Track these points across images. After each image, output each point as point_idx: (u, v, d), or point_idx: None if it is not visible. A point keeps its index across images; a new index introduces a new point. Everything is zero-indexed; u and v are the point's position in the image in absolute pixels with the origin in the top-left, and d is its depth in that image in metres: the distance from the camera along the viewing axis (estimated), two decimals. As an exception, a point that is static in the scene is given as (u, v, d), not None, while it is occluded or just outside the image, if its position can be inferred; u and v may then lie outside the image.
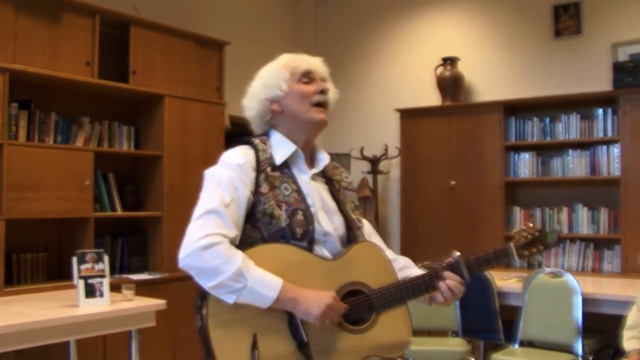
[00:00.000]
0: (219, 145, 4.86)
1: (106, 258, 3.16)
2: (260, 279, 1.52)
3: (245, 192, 1.62)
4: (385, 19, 6.16)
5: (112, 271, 3.65)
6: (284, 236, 1.61)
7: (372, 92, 6.18)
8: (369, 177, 5.91)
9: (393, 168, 5.99)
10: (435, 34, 5.86)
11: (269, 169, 1.67)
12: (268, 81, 1.75)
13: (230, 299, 1.52)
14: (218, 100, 4.90)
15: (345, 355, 1.61)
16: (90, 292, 3.07)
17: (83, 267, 3.08)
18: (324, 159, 1.80)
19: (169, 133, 4.47)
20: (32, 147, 3.73)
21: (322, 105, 1.76)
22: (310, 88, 1.75)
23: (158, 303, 3.31)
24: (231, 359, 1.51)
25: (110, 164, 4.34)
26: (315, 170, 1.77)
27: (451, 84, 5.48)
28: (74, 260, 3.08)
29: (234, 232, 1.58)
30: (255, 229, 1.62)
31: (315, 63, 1.80)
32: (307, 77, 1.76)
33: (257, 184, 1.64)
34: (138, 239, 4.48)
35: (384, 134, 5.98)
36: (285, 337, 1.57)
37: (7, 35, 3.65)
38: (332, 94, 1.81)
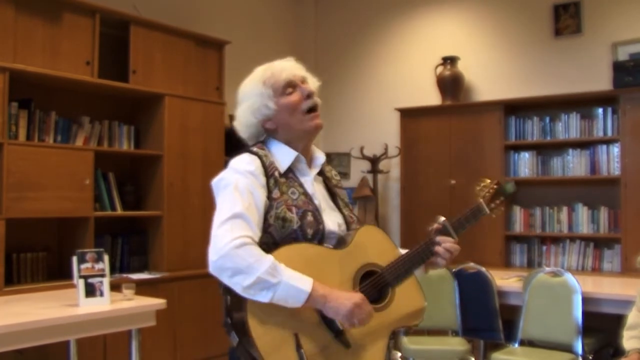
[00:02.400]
0: (219, 145, 4.87)
1: (106, 257, 3.16)
2: (292, 274, 1.56)
3: (262, 197, 1.65)
4: (385, 19, 6.16)
5: (112, 271, 3.65)
6: (296, 238, 1.66)
7: (372, 91, 6.18)
8: (369, 177, 5.91)
9: (393, 167, 5.99)
10: (435, 34, 5.85)
11: (276, 174, 1.71)
12: (254, 104, 1.75)
13: (266, 297, 1.53)
14: (218, 100, 4.90)
15: (376, 333, 1.69)
16: (90, 291, 3.07)
17: (83, 266, 3.08)
18: (320, 158, 1.85)
19: (169, 133, 4.47)
20: (32, 146, 3.73)
21: (313, 109, 1.77)
22: (296, 97, 1.75)
23: (158, 302, 3.31)
24: None
25: (110, 164, 4.34)
26: (315, 171, 1.83)
27: (451, 83, 5.47)
28: (74, 259, 3.08)
29: (258, 235, 1.62)
30: (267, 235, 1.65)
31: (291, 67, 1.79)
32: (290, 86, 1.76)
33: (269, 189, 1.68)
34: (138, 238, 4.48)
35: (384, 134, 5.98)
36: (322, 330, 1.63)
37: (7, 35, 3.65)
38: (315, 87, 1.81)
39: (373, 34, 6.24)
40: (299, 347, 1.56)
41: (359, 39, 6.31)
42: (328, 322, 1.63)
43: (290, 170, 1.76)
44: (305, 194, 1.74)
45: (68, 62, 3.94)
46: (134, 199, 4.49)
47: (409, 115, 5.64)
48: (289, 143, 1.77)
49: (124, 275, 4.16)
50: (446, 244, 1.78)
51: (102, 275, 3.12)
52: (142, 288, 3.70)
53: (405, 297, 1.76)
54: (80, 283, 3.06)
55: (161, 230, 4.40)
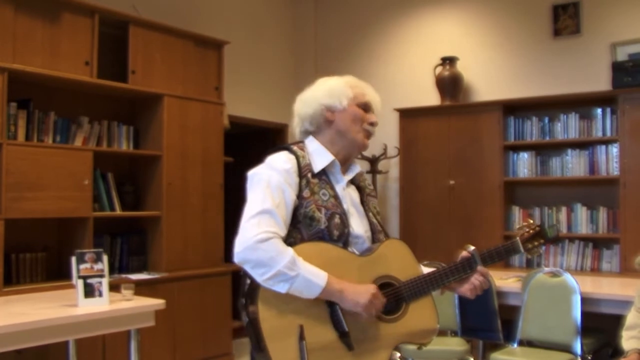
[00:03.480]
0: (218, 145, 4.87)
1: (105, 258, 3.16)
2: (310, 269, 1.67)
3: (292, 196, 1.76)
4: (384, 19, 6.16)
5: (111, 271, 3.65)
6: (322, 237, 1.76)
7: (372, 91, 6.18)
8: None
9: (392, 168, 5.99)
10: (435, 34, 5.86)
11: (309, 175, 1.81)
12: (334, 90, 1.90)
13: (283, 288, 1.64)
14: (217, 100, 4.90)
15: (380, 343, 1.76)
16: (90, 291, 3.07)
17: (82, 266, 3.08)
18: (356, 168, 1.96)
19: (168, 133, 4.47)
20: (31, 146, 3.73)
21: (369, 134, 1.92)
22: (366, 116, 1.90)
23: (157, 303, 3.31)
24: (281, 349, 1.64)
25: (109, 164, 4.34)
26: (348, 178, 1.92)
27: (450, 83, 5.48)
28: (73, 260, 3.08)
29: (284, 231, 1.73)
30: (296, 230, 1.76)
31: (377, 99, 1.96)
32: (366, 106, 1.91)
33: (300, 189, 1.78)
34: (137, 238, 4.48)
35: (383, 134, 5.95)
36: (328, 327, 1.70)
37: (6, 34, 3.65)
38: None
39: (372, 34, 6.24)
40: (301, 338, 1.64)
41: (359, 39, 6.31)
42: (335, 322, 1.70)
43: (324, 173, 1.85)
44: (336, 196, 1.83)
45: (67, 62, 3.94)
46: (133, 199, 4.49)
47: (408, 115, 5.64)
48: (330, 145, 1.88)
49: (123, 275, 4.16)
50: (481, 278, 1.85)
51: (101, 276, 3.12)
52: (141, 288, 3.71)
53: (419, 315, 1.83)
54: (79, 283, 3.06)
55: (160, 230, 4.40)
